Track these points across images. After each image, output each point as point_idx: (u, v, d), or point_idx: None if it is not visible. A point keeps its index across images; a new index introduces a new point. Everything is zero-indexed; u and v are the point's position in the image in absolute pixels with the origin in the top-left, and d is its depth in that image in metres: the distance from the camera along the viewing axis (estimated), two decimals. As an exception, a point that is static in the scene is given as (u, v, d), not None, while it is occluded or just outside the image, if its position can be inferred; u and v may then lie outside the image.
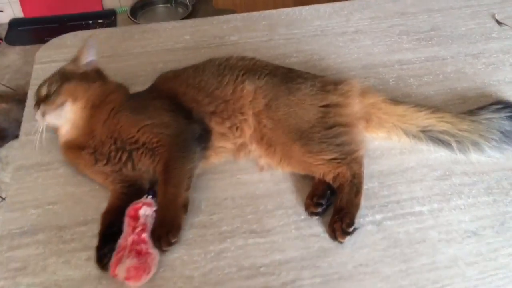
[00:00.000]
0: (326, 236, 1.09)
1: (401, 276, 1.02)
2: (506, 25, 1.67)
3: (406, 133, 1.24)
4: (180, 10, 3.48)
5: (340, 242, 1.07)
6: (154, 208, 1.08)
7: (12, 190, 1.21)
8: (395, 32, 1.66)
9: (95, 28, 3.24)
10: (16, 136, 2.01)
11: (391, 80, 1.47)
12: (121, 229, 1.05)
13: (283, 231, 1.10)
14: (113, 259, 1.01)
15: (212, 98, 1.23)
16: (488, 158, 1.22)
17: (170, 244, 1.05)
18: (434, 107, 1.25)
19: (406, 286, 1.01)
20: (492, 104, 1.27)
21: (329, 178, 1.15)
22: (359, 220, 1.10)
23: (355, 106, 1.23)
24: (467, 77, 1.48)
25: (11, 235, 1.12)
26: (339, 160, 1.14)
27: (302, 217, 1.13)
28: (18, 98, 2.76)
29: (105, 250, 1.04)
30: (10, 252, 1.08)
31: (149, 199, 1.10)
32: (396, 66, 1.52)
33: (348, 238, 1.07)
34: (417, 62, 1.54)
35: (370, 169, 1.21)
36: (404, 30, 1.67)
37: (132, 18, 3.36)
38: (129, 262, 0.98)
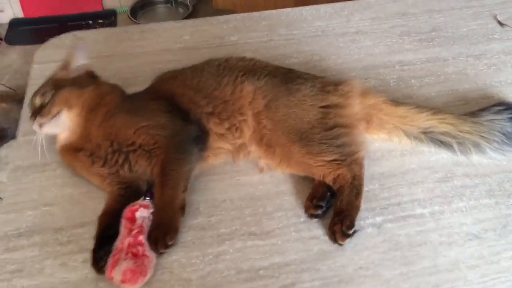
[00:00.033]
0: (326, 238, 1.08)
1: (402, 279, 1.01)
2: (508, 26, 1.65)
3: (407, 134, 1.23)
4: (180, 10, 3.47)
5: (340, 245, 1.06)
6: (151, 210, 1.07)
7: (9, 191, 1.20)
8: (396, 32, 1.65)
9: (95, 28, 3.23)
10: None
11: (392, 81, 1.46)
12: (118, 232, 1.04)
13: (282, 233, 1.09)
14: (109, 261, 1.00)
15: (210, 99, 1.22)
16: (490, 160, 1.21)
17: (167, 246, 1.04)
18: (435, 109, 1.25)
19: (407, 290, 1.00)
20: (494, 105, 1.27)
21: (329, 180, 1.14)
22: (359, 222, 1.09)
23: (356, 107, 1.22)
24: (468, 78, 1.47)
25: (7, 236, 1.11)
26: (339, 162, 1.14)
27: (302, 219, 1.12)
28: (18, 98, 2.75)
29: (101, 253, 1.03)
30: (6, 254, 1.07)
31: (146, 201, 1.09)
32: (397, 67, 1.51)
33: (348, 240, 1.06)
34: (418, 63, 1.53)
35: (371, 170, 1.20)
36: (405, 30, 1.66)
37: (132, 18, 3.35)
38: (126, 264, 0.97)
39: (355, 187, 1.11)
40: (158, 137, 1.15)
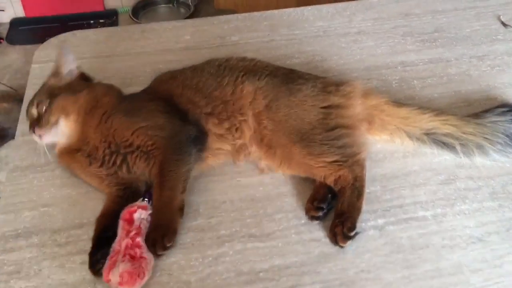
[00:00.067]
0: (327, 241, 1.07)
1: (404, 282, 1.00)
2: (512, 26, 1.65)
3: (410, 135, 1.22)
4: (182, 10, 3.47)
5: (341, 247, 1.05)
6: (149, 212, 1.07)
7: (7, 192, 1.19)
8: (398, 33, 1.64)
9: (97, 28, 3.23)
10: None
11: (394, 82, 1.45)
12: (116, 234, 1.03)
13: (283, 235, 1.08)
14: (107, 263, 0.99)
15: (209, 99, 1.21)
16: (493, 162, 1.20)
17: (165, 248, 1.03)
18: (438, 110, 1.24)
19: (409, 293, 0.99)
20: (497, 107, 1.26)
21: (330, 181, 1.13)
22: (360, 224, 1.08)
23: (357, 107, 1.21)
24: (471, 80, 1.45)
25: (4, 237, 1.10)
26: (340, 163, 1.13)
27: (303, 221, 1.11)
28: (19, 98, 2.74)
29: (98, 255, 1.02)
30: (3, 255, 1.06)
31: (144, 202, 1.08)
32: (399, 67, 1.50)
33: (349, 242, 1.05)
34: (421, 64, 1.52)
35: (373, 172, 1.18)
36: (407, 31, 1.65)
37: (133, 18, 3.35)
38: (123, 267, 0.96)
39: (357, 189, 1.10)
40: (156, 138, 1.14)
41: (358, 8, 1.75)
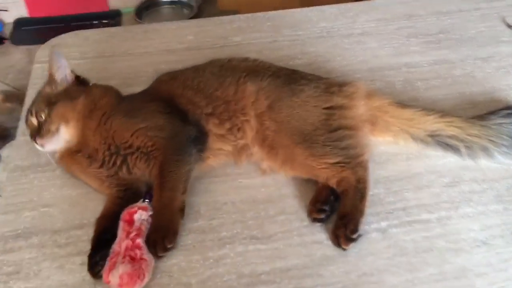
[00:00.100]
0: (329, 243, 1.06)
1: (407, 286, 0.99)
2: (517, 28, 1.63)
3: (414, 137, 1.21)
4: (185, 11, 3.47)
5: (344, 249, 1.04)
6: (150, 213, 1.06)
7: (7, 192, 1.19)
8: (402, 34, 1.63)
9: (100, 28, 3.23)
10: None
11: (398, 83, 1.44)
12: (115, 235, 1.02)
13: (284, 237, 1.07)
14: (107, 265, 0.98)
15: (210, 99, 1.20)
16: (498, 164, 1.19)
17: (166, 250, 1.02)
18: (442, 111, 1.22)
19: (412, 297, 0.98)
20: (502, 109, 1.24)
21: (332, 183, 1.12)
22: (363, 227, 1.07)
23: (360, 108, 1.20)
24: (476, 81, 1.44)
25: (4, 238, 1.09)
26: (343, 164, 1.12)
27: (305, 223, 1.10)
28: (22, 98, 2.74)
29: (97, 257, 1.01)
30: (3, 256, 1.06)
31: (145, 203, 1.07)
32: (403, 69, 1.49)
33: (352, 245, 1.04)
34: (425, 65, 1.50)
35: (376, 174, 1.17)
36: (412, 32, 1.63)
37: (137, 19, 3.35)
38: (123, 268, 0.95)
39: (360, 190, 1.09)
40: (156, 138, 1.13)
41: (361, 9, 1.74)
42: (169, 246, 1.02)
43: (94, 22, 3.35)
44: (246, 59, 1.30)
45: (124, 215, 1.04)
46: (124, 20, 3.42)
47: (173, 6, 3.52)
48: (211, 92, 1.21)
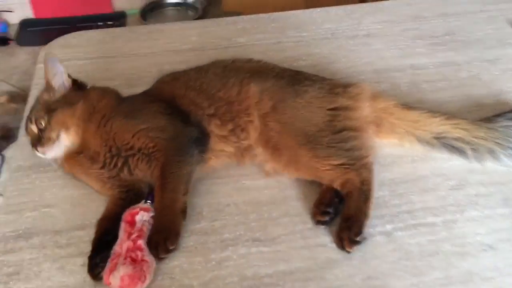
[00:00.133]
0: (333, 246, 1.05)
1: (412, 290, 0.97)
2: (524, 30, 1.62)
3: (419, 139, 1.20)
4: (190, 12, 3.47)
5: (348, 252, 1.03)
6: (152, 214, 1.05)
7: (9, 192, 1.19)
8: (408, 36, 1.62)
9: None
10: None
11: (403, 85, 1.43)
12: (116, 237, 1.02)
13: (288, 240, 1.06)
14: (107, 266, 0.97)
15: (213, 100, 1.20)
16: (505, 167, 1.17)
17: (168, 251, 1.01)
18: (448, 114, 1.21)
19: (417, 302, 0.96)
20: (509, 111, 1.23)
21: (337, 185, 1.11)
22: (368, 230, 1.06)
23: (365, 109, 1.20)
24: (483, 84, 1.43)
25: (5, 238, 1.09)
26: (347, 166, 1.11)
27: (309, 225, 1.09)
28: (26, 99, 2.75)
29: (98, 259, 1.00)
30: (3, 256, 1.05)
31: (147, 204, 1.07)
32: (409, 71, 1.48)
33: (356, 247, 1.02)
34: (431, 67, 1.49)
35: (381, 177, 1.16)
36: (418, 34, 1.62)
37: (142, 20, 3.35)
38: (123, 270, 0.95)
39: (364, 192, 1.08)
40: (158, 140, 1.13)
41: (367, 11, 1.73)
42: (171, 247, 1.01)
43: (99, 23, 3.35)
44: (249, 60, 1.29)
45: (126, 216, 1.03)
46: (128, 22, 3.42)
47: (178, 8, 3.52)
48: (214, 93, 1.21)
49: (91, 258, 1.01)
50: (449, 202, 1.12)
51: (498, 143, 1.16)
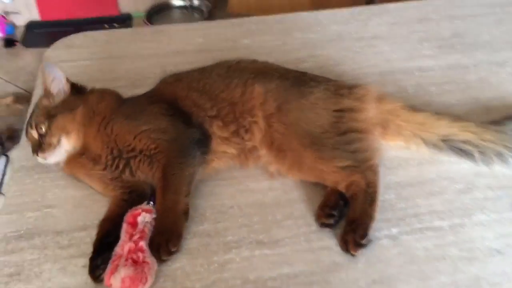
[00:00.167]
0: (338, 249, 1.03)
1: (418, 295, 0.96)
2: (533, 33, 1.60)
3: (426, 142, 1.19)
4: (196, 15, 3.47)
5: (353, 255, 1.01)
6: (154, 215, 1.04)
7: (11, 192, 1.18)
8: (415, 38, 1.61)
9: (111, 32, 3.24)
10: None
11: (410, 88, 1.42)
12: (118, 238, 1.01)
13: (292, 242, 1.05)
14: (109, 267, 0.96)
15: (216, 101, 1.19)
16: (513, 171, 1.16)
17: (170, 253, 1.00)
18: (456, 116, 1.20)
19: (423, 307, 0.95)
20: (517, 114, 1.22)
21: (342, 187, 1.09)
22: (374, 233, 1.04)
23: (371, 111, 1.18)
24: (490, 86, 1.42)
25: (6, 238, 1.08)
26: (352, 168, 1.10)
27: (313, 228, 1.08)
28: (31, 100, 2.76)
29: (99, 261, 0.99)
30: (4, 257, 1.04)
31: (149, 205, 1.06)
32: (415, 73, 1.47)
33: (361, 251, 1.01)
34: (438, 69, 1.48)
35: (387, 179, 1.15)
36: (424, 36, 1.61)
37: (148, 23, 3.35)
38: (125, 271, 0.94)
39: (369, 195, 1.07)
40: (159, 141, 1.12)
41: (373, 13, 1.72)
42: (173, 249, 1.00)
43: (105, 25, 3.37)
44: (254, 61, 1.28)
45: (128, 217, 1.02)
46: (134, 24, 3.43)
47: (184, 10, 3.53)
48: (217, 94, 1.20)
49: (92, 259, 1.00)
50: (456, 206, 1.11)
51: (506, 146, 1.15)
